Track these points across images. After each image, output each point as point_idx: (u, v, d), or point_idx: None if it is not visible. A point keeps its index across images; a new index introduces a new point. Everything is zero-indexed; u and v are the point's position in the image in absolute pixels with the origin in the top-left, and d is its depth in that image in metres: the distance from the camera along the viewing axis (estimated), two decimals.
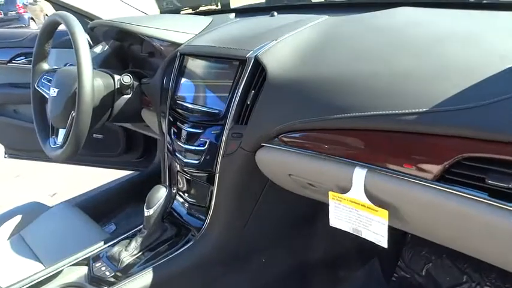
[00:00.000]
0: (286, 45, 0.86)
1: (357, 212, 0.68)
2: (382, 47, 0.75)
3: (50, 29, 1.15)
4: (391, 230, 0.67)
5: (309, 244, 1.18)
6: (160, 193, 0.91)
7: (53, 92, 1.10)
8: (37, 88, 1.21)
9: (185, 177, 1.03)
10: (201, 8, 2.04)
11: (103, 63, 1.35)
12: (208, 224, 0.96)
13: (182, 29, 1.14)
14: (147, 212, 0.91)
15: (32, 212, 1.30)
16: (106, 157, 1.88)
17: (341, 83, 0.70)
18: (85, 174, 2.35)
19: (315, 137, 0.73)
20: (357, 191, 0.66)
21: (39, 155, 1.92)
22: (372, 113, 0.62)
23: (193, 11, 1.99)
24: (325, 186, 0.74)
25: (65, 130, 1.11)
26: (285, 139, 0.77)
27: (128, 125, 1.54)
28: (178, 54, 1.04)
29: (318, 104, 0.71)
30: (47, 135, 1.20)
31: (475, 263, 1.19)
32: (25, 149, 1.98)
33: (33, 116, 1.23)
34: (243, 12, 1.36)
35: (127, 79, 1.13)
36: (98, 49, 1.41)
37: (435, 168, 0.56)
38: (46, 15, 10.23)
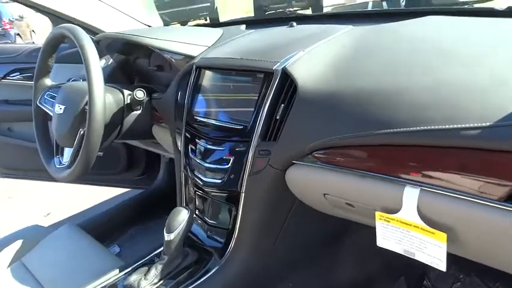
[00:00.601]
0: (315, 56, 0.81)
1: (409, 233, 0.62)
2: (421, 57, 0.71)
3: (55, 43, 1.09)
4: None
5: (337, 263, 1.12)
6: (182, 216, 0.85)
7: (59, 109, 1.04)
8: (39, 105, 1.15)
9: (204, 197, 0.97)
10: (189, 23, 2.01)
11: (108, 78, 1.29)
12: (233, 248, 0.90)
13: (194, 41, 1.09)
14: (168, 237, 0.84)
15: (33, 236, 1.21)
16: (106, 175, 1.81)
17: (380, 96, 0.65)
18: (79, 192, 2.26)
19: (355, 154, 0.68)
20: (409, 212, 0.61)
21: (35, 174, 1.84)
22: (421, 127, 0.57)
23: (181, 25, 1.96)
24: (367, 206, 0.69)
25: (71, 149, 1.05)
26: (320, 156, 0.72)
27: (134, 142, 1.48)
28: (194, 67, 0.98)
29: (357, 118, 0.66)
30: (51, 154, 1.13)
31: (506, 281, 1.14)
32: (20, 168, 1.90)
33: (35, 135, 1.16)
34: (254, 23, 1.32)
35: (140, 94, 1.07)
36: (102, 63, 1.35)
37: (502, 188, 0.52)
38: (32, 31, 10.12)
